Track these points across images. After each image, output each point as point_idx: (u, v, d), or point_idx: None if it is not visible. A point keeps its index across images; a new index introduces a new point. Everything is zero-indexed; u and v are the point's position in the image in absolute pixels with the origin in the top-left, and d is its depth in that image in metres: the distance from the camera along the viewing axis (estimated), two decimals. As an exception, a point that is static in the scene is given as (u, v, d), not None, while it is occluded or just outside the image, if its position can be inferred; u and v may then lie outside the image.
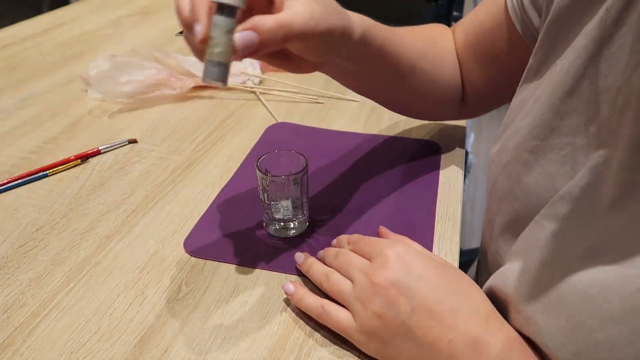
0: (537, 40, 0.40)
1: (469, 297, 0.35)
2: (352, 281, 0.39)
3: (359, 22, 0.43)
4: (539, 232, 0.34)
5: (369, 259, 0.39)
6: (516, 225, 0.39)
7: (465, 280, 0.37)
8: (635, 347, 0.26)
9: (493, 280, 0.40)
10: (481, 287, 0.52)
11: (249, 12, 0.35)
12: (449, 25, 0.61)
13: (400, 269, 0.36)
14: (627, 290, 0.27)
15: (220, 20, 0.33)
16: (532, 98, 0.39)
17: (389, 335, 0.35)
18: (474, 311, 0.34)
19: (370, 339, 0.36)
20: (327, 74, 0.48)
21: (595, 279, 0.29)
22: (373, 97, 0.56)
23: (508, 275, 0.37)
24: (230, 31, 0.33)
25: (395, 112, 0.60)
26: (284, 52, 0.41)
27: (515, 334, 0.35)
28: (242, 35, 0.33)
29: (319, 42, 0.38)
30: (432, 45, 0.55)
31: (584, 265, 0.30)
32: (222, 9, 0.33)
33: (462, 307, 0.34)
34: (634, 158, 0.28)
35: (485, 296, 0.36)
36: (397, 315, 0.35)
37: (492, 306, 0.36)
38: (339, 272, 0.40)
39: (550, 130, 0.36)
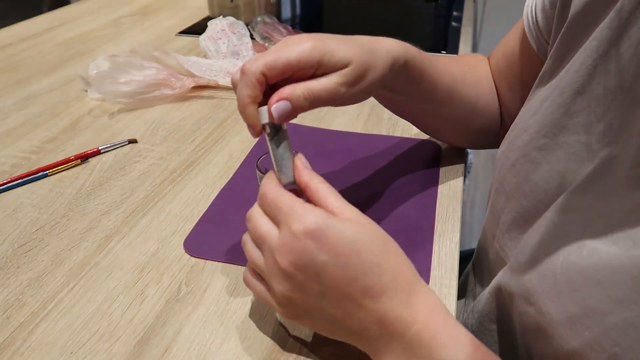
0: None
1: (385, 272, 0.33)
2: (262, 254, 0.35)
3: (399, 53, 0.44)
4: (549, 226, 0.35)
5: (277, 225, 0.34)
6: (523, 222, 0.40)
7: (384, 252, 0.34)
8: None
9: (502, 277, 0.40)
10: (482, 285, 0.52)
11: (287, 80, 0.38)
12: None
13: (308, 251, 0.32)
14: (635, 271, 0.28)
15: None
16: (540, 99, 0.40)
17: (302, 311, 0.34)
18: (388, 288, 0.32)
19: (285, 310, 0.35)
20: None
21: (602, 264, 0.29)
22: (412, 121, 0.58)
23: (519, 270, 0.37)
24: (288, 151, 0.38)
25: (439, 139, 0.62)
26: None
27: (438, 312, 0.33)
28: (277, 106, 0.36)
29: (354, 99, 0.41)
30: (469, 72, 0.56)
31: (592, 251, 0.30)
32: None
33: (375, 285, 0.32)
34: None
35: (408, 267, 0.34)
36: (307, 297, 0.33)
37: (415, 278, 0.34)
38: (252, 239, 0.36)
39: (559, 129, 0.36)
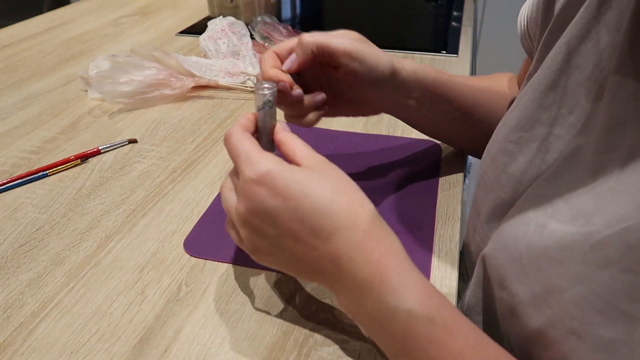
0: None
1: (335, 213, 0.33)
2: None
3: (408, 62, 0.49)
4: (518, 214, 0.37)
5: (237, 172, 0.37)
6: (501, 213, 0.41)
7: (337, 194, 0.34)
8: (602, 299, 0.28)
9: (480, 265, 0.42)
10: (465, 280, 0.53)
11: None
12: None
13: (259, 197, 0.34)
14: (586, 246, 0.29)
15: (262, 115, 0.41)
16: (519, 95, 0.42)
17: (267, 254, 0.36)
18: (339, 229, 0.33)
19: (254, 254, 0.37)
20: (391, 114, 0.54)
21: (560, 242, 0.31)
22: (442, 138, 0.61)
23: (493, 255, 0.39)
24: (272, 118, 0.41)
25: (468, 153, 0.63)
26: (346, 99, 0.49)
27: (390, 255, 0.33)
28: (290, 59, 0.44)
29: (364, 70, 0.45)
30: (493, 85, 0.57)
31: (552, 232, 0.32)
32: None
33: (324, 226, 0.33)
34: (608, 140, 0.31)
35: (364, 208, 0.34)
36: (265, 240, 0.35)
37: (371, 219, 0.34)
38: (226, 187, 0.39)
39: (533, 122, 0.38)
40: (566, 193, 0.33)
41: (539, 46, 0.41)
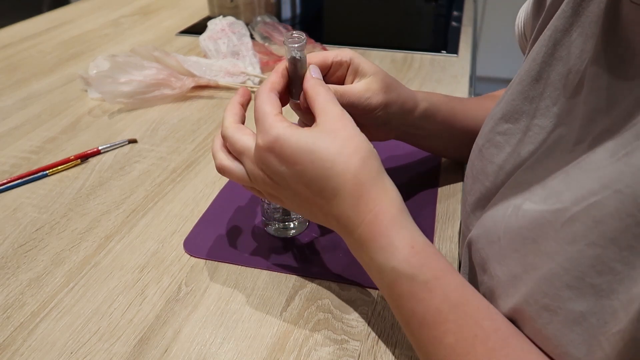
0: None
1: (335, 177, 0.36)
2: (243, 166, 0.40)
3: (422, 97, 0.51)
4: (500, 200, 0.38)
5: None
6: (486, 201, 0.42)
7: (339, 156, 0.36)
8: (571, 274, 0.28)
9: (465, 251, 0.42)
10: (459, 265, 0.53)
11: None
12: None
13: (271, 162, 0.37)
14: (557, 223, 0.30)
15: None
16: (506, 88, 0.43)
17: (290, 206, 0.40)
18: (339, 191, 0.36)
19: (281, 204, 0.41)
20: (403, 141, 0.55)
21: (534, 222, 0.32)
22: (453, 158, 0.63)
23: (476, 241, 0.40)
24: None
25: None
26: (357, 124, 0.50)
27: (383, 216, 0.36)
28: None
29: (380, 113, 0.47)
30: None
31: (525, 212, 0.33)
32: None
33: (326, 188, 0.36)
34: (585, 130, 0.32)
35: (364, 168, 0.36)
36: (286, 197, 0.39)
37: (369, 181, 0.36)
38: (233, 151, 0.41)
39: (520, 114, 0.39)
40: (543, 178, 0.34)
41: (530, 43, 0.42)
